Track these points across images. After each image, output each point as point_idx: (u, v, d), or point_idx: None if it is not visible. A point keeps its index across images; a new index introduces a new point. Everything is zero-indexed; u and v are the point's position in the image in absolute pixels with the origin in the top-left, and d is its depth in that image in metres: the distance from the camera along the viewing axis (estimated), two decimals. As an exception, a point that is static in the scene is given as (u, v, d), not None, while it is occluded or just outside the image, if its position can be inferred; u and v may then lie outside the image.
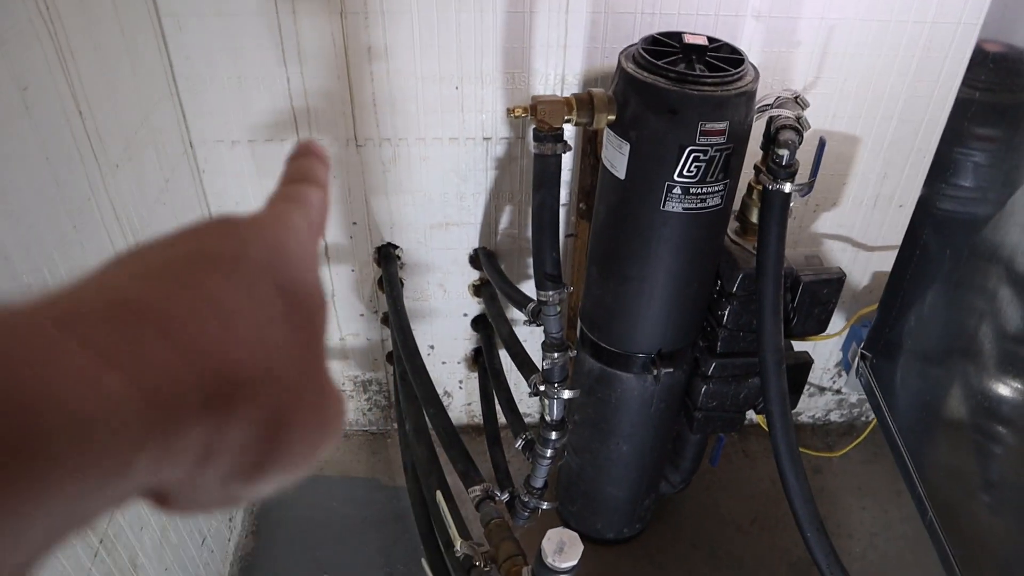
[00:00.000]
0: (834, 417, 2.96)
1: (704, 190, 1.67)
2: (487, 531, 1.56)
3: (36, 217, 1.39)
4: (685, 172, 1.64)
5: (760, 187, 1.83)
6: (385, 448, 2.84)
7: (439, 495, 1.65)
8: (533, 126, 1.67)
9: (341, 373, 2.69)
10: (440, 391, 2.77)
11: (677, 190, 1.66)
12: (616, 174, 1.73)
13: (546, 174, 1.71)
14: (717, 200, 1.70)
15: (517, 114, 1.68)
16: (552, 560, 1.07)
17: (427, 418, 1.88)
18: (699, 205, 1.69)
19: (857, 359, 2.03)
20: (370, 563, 2.47)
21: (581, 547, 1.15)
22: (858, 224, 2.36)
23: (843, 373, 2.78)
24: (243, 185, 2.17)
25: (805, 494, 2.07)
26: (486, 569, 1.51)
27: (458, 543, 1.54)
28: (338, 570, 2.45)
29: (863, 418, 2.97)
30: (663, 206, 1.69)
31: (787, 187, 1.68)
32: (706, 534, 2.60)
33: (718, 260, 1.95)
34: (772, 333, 1.92)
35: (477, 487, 1.64)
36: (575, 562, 1.08)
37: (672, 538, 2.59)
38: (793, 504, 2.08)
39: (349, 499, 2.66)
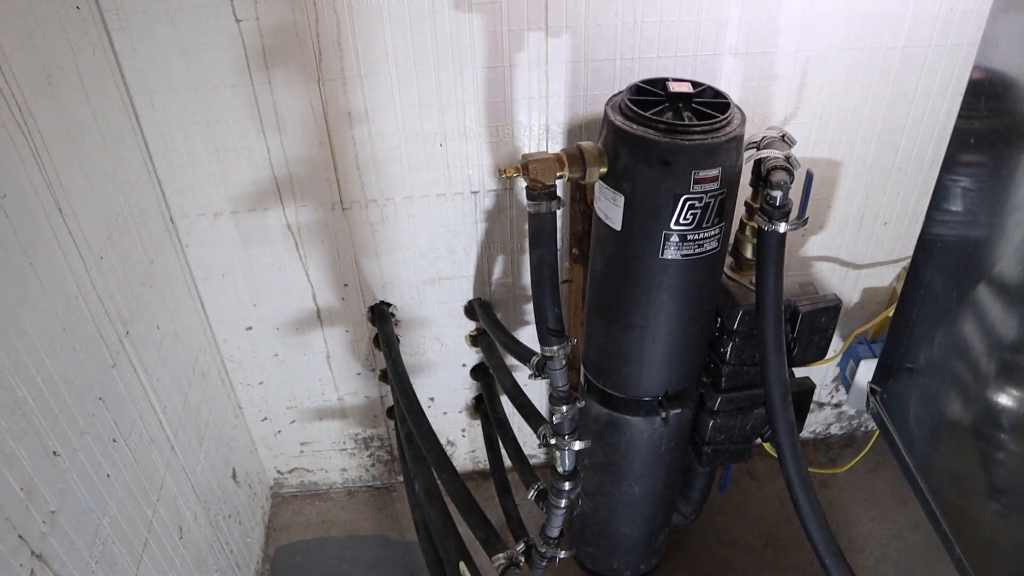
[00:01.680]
0: (835, 430, 2.97)
1: (701, 236, 1.67)
2: (515, 602, 1.54)
3: (23, 325, 1.35)
4: (681, 220, 1.63)
5: (753, 224, 1.83)
6: (391, 502, 2.80)
7: (463, 567, 1.63)
8: (526, 185, 1.66)
9: (341, 432, 2.66)
10: (443, 440, 2.74)
11: (675, 238, 1.66)
12: (612, 225, 1.72)
13: (543, 231, 1.69)
14: (714, 244, 1.70)
15: (509, 174, 1.67)
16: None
17: (440, 484, 1.85)
18: (697, 251, 1.69)
19: (868, 395, 2.03)
20: (387, 625, 2.43)
21: None
22: (845, 244, 2.38)
23: (840, 387, 2.79)
24: (228, 255, 2.14)
25: (820, 521, 2.07)
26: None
27: (487, 615, 1.52)
28: (355, 635, 2.42)
29: (863, 428, 2.98)
30: (662, 254, 1.69)
31: (782, 227, 1.68)
32: (721, 562, 2.60)
33: (716, 299, 1.95)
34: (776, 368, 1.92)
35: (501, 555, 1.62)
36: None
37: (687, 570, 2.58)
38: (809, 532, 2.08)
39: (359, 559, 2.63)
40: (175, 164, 1.97)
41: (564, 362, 1.85)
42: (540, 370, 1.91)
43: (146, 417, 1.83)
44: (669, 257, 1.69)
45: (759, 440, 2.31)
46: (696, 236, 1.67)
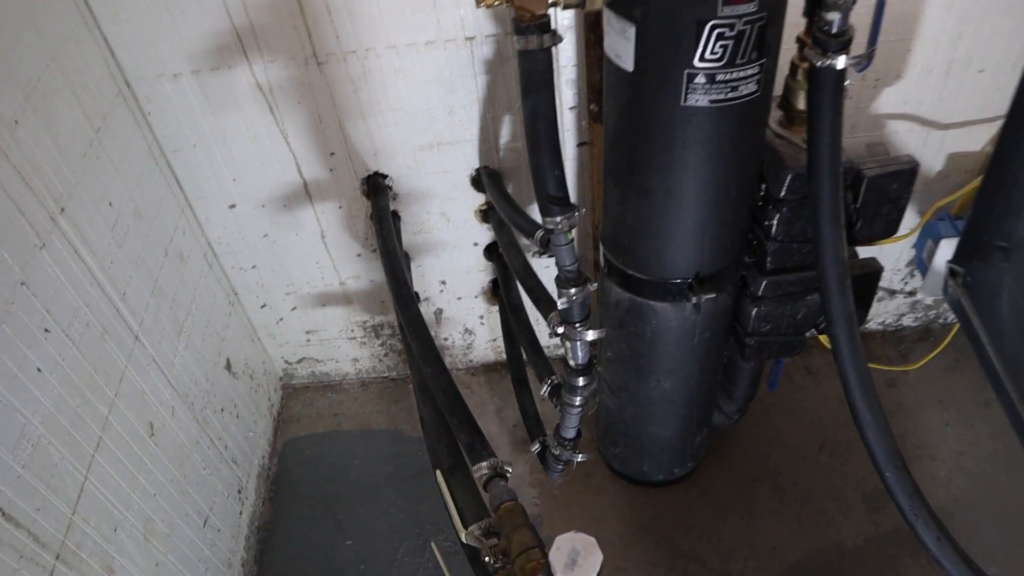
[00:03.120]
0: (907, 322, 2.61)
1: (734, 76, 1.31)
2: (497, 518, 1.29)
3: None
4: (708, 55, 1.28)
5: (806, 64, 1.45)
6: (407, 395, 2.59)
7: (439, 475, 1.39)
8: (513, 17, 1.32)
9: (347, 319, 2.43)
10: (460, 329, 2.49)
11: (700, 79, 1.31)
12: (623, 65, 1.38)
13: (534, 74, 1.36)
14: (752, 87, 1.35)
15: (490, 2, 1.32)
16: (560, 583, 0.79)
17: (427, 379, 1.60)
18: (729, 95, 1.34)
19: (946, 277, 1.68)
20: (396, 525, 2.25)
21: (599, 557, 0.86)
22: (928, 98, 1.96)
23: (916, 272, 2.42)
24: (196, 122, 1.88)
25: (880, 427, 1.76)
26: (496, 565, 1.25)
27: (462, 534, 1.28)
28: (362, 535, 2.24)
29: (940, 320, 2.61)
30: (684, 101, 1.34)
31: (840, 61, 1.30)
32: (768, 466, 2.32)
33: (760, 160, 1.60)
34: (832, 243, 1.58)
35: (483, 463, 1.36)
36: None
37: (730, 474, 2.31)
38: (867, 440, 1.78)
39: (371, 455, 2.44)
40: (120, 17, 1.69)
41: (571, 236, 1.54)
42: (544, 246, 1.62)
43: (95, 304, 1.61)
44: (694, 104, 1.35)
45: (814, 332, 1.99)
46: (728, 76, 1.31)
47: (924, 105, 1.98)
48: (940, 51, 1.87)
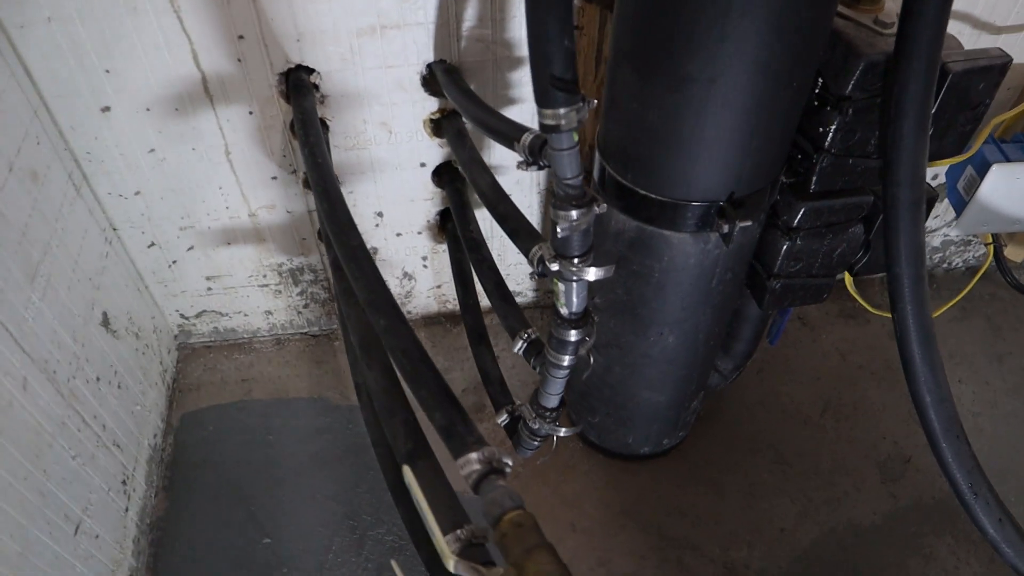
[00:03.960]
0: (909, 265, 2.30)
1: None
2: (499, 536, 0.89)
3: None
4: None
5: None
6: (333, 355, 2.14)
7: (407, 472, 0.96)
8: None
9: (259, 261, 1.95)
10: (398, 273, 2.06)
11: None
12: None
13: None
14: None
15: None
16: None
17: (379, 333, 1.17)
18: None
19: None
20: (325, 517, 1.82)
21: None
22: (982, -5, 1.62)
23: (945, 206, 2.10)
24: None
25: (942, 392, 1.43)
26: (502, 607, 0.85)
27: (451, 563, 0.86)
28: (283, 531, 1.80)
29: (944, 265, 2.32)
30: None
31: None
32: (766, 433, 1.98)
33: (824, 45, 1.22)
34: (913, 155, 1.22)
35: (472, 455, 0.94)
36: None
37: (724, 444, 1.96)
38: (922, 404, 1.45)
39: (290, 429, 1.99)
40: None
41: (576, 138, 1.12)
42: (536, 153, 1.20)
43: None
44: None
45: (844, 274, 1.64)
46: None
47: (979, 5, 1.64)
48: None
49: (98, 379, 1.66)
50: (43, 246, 1.51)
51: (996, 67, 1.28)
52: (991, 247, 1.92)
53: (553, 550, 0.88)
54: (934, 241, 2.22)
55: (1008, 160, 1.67)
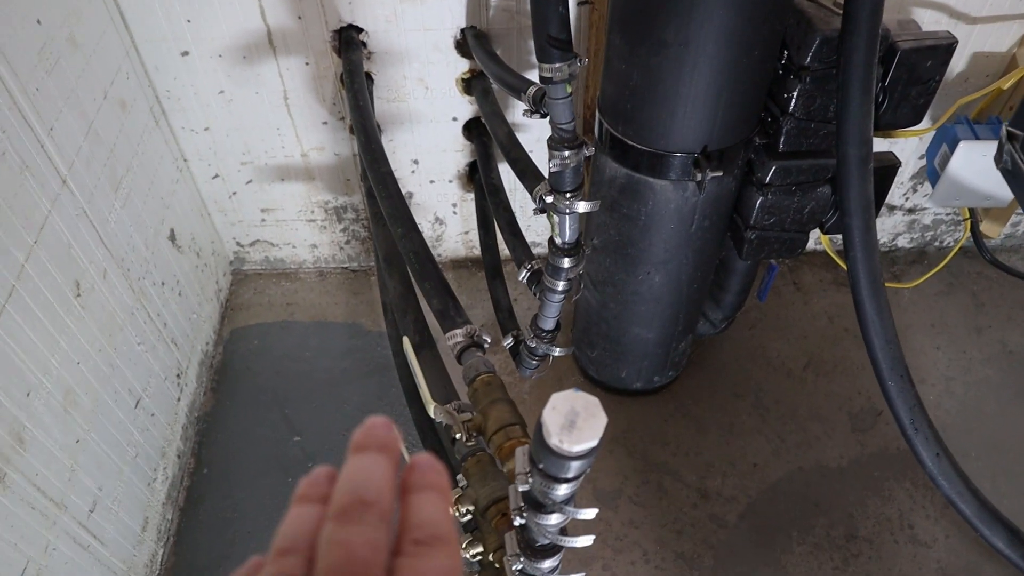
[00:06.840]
0: (902, 242, 2.48)
1: None
2: (471, 392, 1.13)
3: None
4: None
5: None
6: (368, 287, 2.40)
7: (405, 342, 1.21)
8: None
9: (308, 198, 2.22)
10: (430, 217, 2.30)
11: None
12: None
13: None
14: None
15: None
16: (558, 441, 0.62)
17: (396, 241, 1.41)
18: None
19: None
20: (350, 423, 2.08)
21: (603, 421, 0.68)
22: (962, -16, 1.80)
23: (920, 187, 2.27)
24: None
25: (888, 334, 1.63)
26: (470, 444, 1.09)
27: (431, 407, 1.11)
28: (312, 431, 2.07)
29: (936, 243, 2.48)
30: (719, -78, 1.15)
31: None
32: (751, 381, 2.19)
33: (785, 21, 1.42)
34: (858, 118, 1.42)
35: (458, 330, 1.19)
36: (594, 443, 0.63)
37: (710, 388, 2.17)
38: (871, 344, 1.64)
39: (325, 348, 2.25)
40: None
41: (569, 90, 1.35)
42: (538, 103, 1.42)
43: (13, 132, 1.38)
44: (730, -72, 1.15)
45: (818, 233, 1.84)
46: None
47: (957, -8, 1.82)
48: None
49: (163, 284, 1.94)
50: (126, 164, 1.78)
51: (942, 47, 1.47)
52: (967, 223, 2.08)
53: (513, 404, 1.11)
54: (925, 219, 2.39)
55: (978, 139, 1.85)
